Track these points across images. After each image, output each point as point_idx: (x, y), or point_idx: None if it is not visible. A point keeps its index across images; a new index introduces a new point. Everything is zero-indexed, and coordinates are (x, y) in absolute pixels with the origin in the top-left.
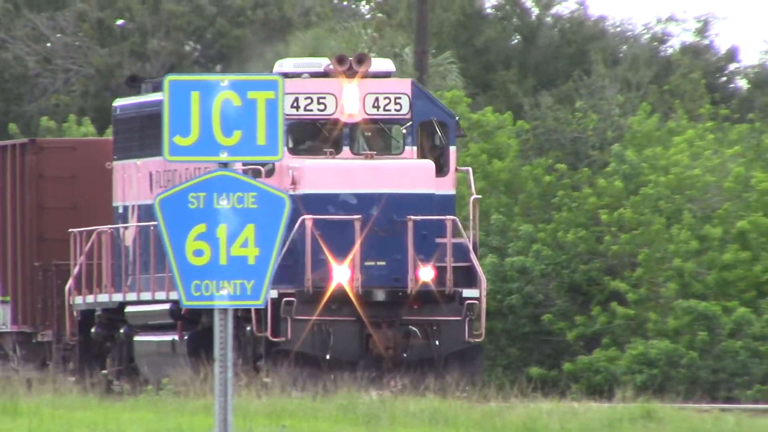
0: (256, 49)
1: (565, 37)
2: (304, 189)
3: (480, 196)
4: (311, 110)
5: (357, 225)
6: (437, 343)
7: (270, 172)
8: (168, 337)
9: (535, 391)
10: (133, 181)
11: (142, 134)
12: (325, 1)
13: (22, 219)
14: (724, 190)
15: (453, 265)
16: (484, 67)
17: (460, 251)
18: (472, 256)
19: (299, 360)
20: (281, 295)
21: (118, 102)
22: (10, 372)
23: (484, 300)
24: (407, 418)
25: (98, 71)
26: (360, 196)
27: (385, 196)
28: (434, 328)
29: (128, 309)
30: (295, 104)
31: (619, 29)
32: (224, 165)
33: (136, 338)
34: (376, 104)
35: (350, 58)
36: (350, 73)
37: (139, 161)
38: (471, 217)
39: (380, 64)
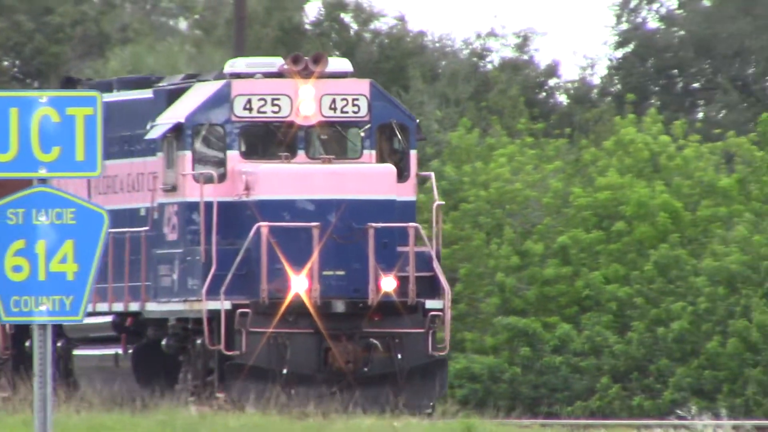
0: (74, 65)
1: (384, 53)
2: (259, 195)
3: (443, 202)
4: (265, 112)
5: (315, 233)
6: (399, 356)
7: (222, 177)
8: (111, 351)
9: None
10: (69, 188)
11: None
12: (143, 17)
13: None
14: (544, 206)
15: (416, 274)
16: None
17: (423, 260)
18: (436, 265)
19: (254, 374)
20: (235, 307)
21: None
22: None
23: (448, 311)
24: None
25: None
26: (318, 203)
27: (345, 202)
28: (396, 340)
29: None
30: (247, 106)
31: (438, 45)
32: (43, 181)
33: (76, 352)
34: (333, 106)
35: (306, 58)
36: (306, 73)
37: None
38: (434, 224)
39: (337, 63)
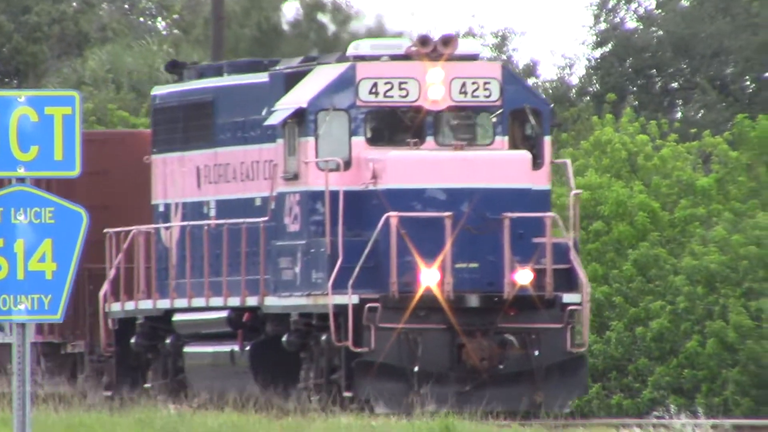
0: (52, 65)
1: None
2: (387, 183)
3: (580, 191)
4: (391, 96)
5: (447, 223)
6: (536, 353)
7: (346, 165)
8: (226, 348)
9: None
10: (176, 177)
11: (186, 125)
12: (121, 17)
13: None
14: None
15: (552, 267)
16: None
17: (559, 252)
18: (574, 256)
19: (384, 373)
20: (363, 301)
21: (157, 90)
22: (35, 386)
23: (587, 306)
24: None
25: None
26: (450, 191)
27: (478, 191)
28: (533, 336)
29: (176, 317)
30: (373, 90)
31: None
32: (22, 180)
33: (187, 349)
34: (463, 90)
35: (435, 39)
36: (434, 56)
37: (183, 154)
38: (571, 214)
39: (467, 45)
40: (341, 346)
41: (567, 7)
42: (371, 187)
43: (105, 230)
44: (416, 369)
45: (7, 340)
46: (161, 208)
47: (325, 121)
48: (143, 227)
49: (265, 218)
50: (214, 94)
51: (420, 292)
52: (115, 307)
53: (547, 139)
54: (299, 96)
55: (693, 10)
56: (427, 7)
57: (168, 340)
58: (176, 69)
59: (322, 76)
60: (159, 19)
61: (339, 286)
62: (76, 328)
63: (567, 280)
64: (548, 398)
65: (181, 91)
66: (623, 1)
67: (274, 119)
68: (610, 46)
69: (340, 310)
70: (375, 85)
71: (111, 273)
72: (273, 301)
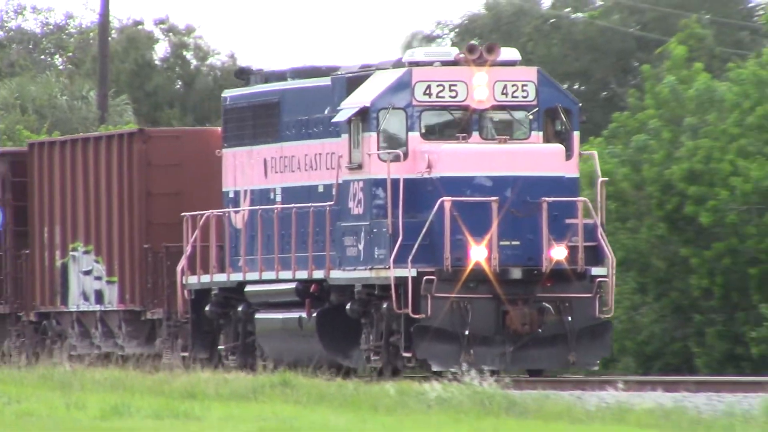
0: None
1: (218, 83)
2: (441, 172)
3: (607, 179)
4: (443, 97)
5: (494, 206)
6: (569, 319)
7: (404, 156)
8: (294, 314)
9: None
10: (245, 168)
11: (255, 123)
12: (26, 54)
13: (130, 205)
14: None
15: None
16: (153, 107)
17: (587, 231)
18: (601, 234)
19: (438, 336)
20: (420, 274)
21: (228, 93)
22: (115, 348)
23: (613, 277)
24: (94, 384)
25: None
26: (495, 179)
27: (520, 178)
28: (566, 304)
29: (248, 288)
30: (427, 91)
31: None
32: None
33: (258, 316)
34: (504, 91)
35: (480, 47)
36: (480, 62)
37: (252, 148)
38: (599, 199)
39: (508, 53)
40: (401, 313)
41: None
42: (426, 176)
43: (182, 214)
44: (466, 333)
45: (90, 309)
46: (231, 195)
47: (385, 119)
48: (215, 211)
49: (331, 203)
50: (280, 96)
51: (470, 266)
52: (192, 279)
53: (576, 134)
54: (362, 97)
55: None
56: (275, 45)
57: (240, 308)
58: (243, 75)
59: (382, 79)
60: (57, 56)
61: (399, 261)
62: (155, 298)
63: (594, 255)
64: (579, 358)
65: (250, 93)
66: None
67: (341, 117)
68: None
69: (400, 282)
70: (428, 87)
71: (188, 250)
72: (338, 274)
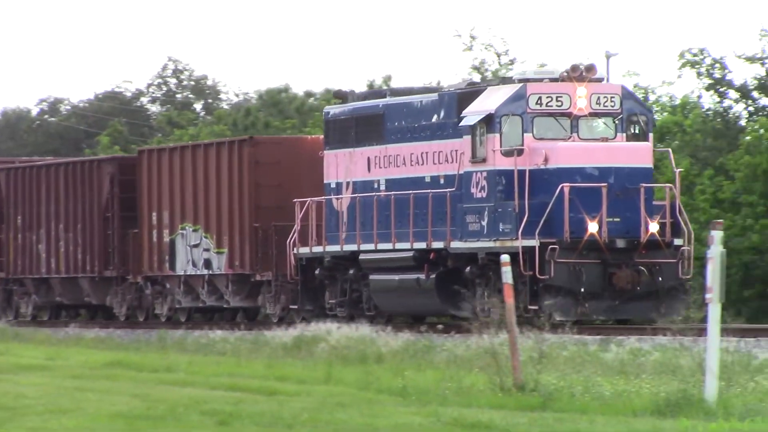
0: None
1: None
2: (557, 164)
3: (683, 169)
4: (551, 106)
5: (604, 191)
6: (660, 279)
7: (520, 152)
8: (412, 276)
9: None
10: (347, 164)
11: (357, 130)
12: None
13: (240, 193)
14: None
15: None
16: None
17: (671, 210)
18: (680, 212)
19: (559, 293)
20: (543, 244)
21: (329, 108)
22: (221, 302)
23: (691, 247)
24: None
25: None
26: (600, 169)
27: (621, 169)
28: (657, 268)
29: (362, 256)
30: (538, 101)
31: None
32: None
33: (372, 276)
34: (597, 102)
35: (581, 67)
36: (581, 78)
37: (354, 149)
38: (677, 186)
39: (599, 71)
40: (527, 274)
41: None
42: (542, 167)
43: (294, 200)
44: (582, 290)
45: (198, 273)
46: (333, 186)
47: (506, 123)
48: (316, 198)
49: (452, 189)
50: (384, 109)
51: (586, 237)
52: (303, 249)
53: (651, 135)
54: (485, 106)
55: None
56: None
57: (351, 271)
58: (340, 97)
59: (499, 92)
60: None
61: (527, 234)
62: (264, 263)
63: (676, 229)
64: (668, 310)
65: (351, 108)
66: None
67: (467, 122)
68: None
69: (525, 250)
70: (540, 98)
71: (297, 226)
72: (459, 245)
